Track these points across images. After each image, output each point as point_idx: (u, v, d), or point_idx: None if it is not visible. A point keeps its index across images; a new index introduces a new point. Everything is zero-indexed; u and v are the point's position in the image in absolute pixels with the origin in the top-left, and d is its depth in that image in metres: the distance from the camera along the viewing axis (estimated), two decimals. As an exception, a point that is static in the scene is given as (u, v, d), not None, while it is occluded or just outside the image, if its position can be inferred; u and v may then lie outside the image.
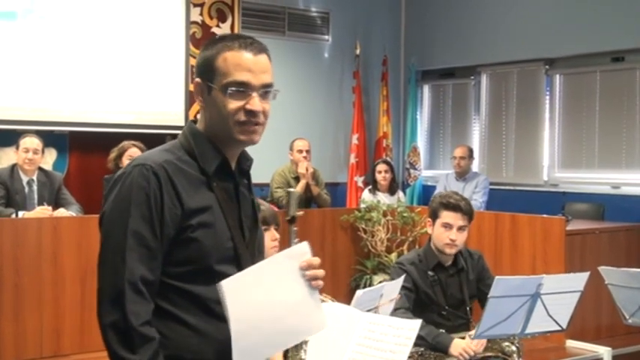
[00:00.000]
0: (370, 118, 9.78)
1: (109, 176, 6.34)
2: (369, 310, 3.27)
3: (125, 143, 6.45)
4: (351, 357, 2.39)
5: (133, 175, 2.00)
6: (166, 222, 1.98)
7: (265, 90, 2.09)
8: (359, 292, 3.26)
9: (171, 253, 2.01)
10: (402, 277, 3.84)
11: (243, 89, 2.05)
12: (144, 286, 1.95)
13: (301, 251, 2.09)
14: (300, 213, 2.41)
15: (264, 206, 3.39)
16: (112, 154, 6.48)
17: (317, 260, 2.09)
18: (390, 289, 3.55)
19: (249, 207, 2.19)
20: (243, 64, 2.05)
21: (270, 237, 3.37)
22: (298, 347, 2.33)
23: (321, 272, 2.09)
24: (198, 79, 2.09)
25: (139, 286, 1.94)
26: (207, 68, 2.07)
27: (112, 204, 2.02)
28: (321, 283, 2.10)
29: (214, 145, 2.10)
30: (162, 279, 2.01)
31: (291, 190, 2.28)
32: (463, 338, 3.95)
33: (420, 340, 3.84)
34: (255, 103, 2.06)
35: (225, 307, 1.91)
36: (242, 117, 2.05)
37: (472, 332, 3.90)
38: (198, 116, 2.18)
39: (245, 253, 2.10)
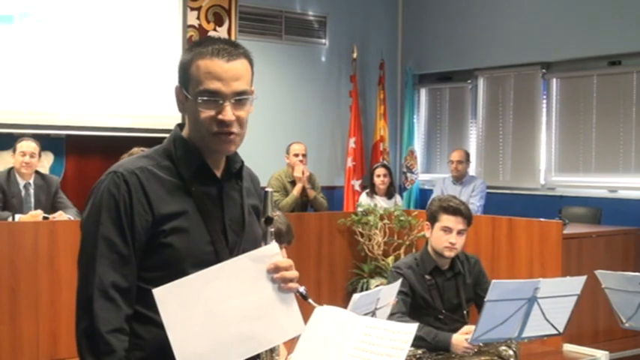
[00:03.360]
0: (367, 122, 9.78)
1: None
2: (365, 314, 3.26)
3: (135, 150, 6.38)
4: (347, 361, 2.38)
5: (105, 183, 2.02)
6: (137, 228, 1.98)
7: (239, 98, 2.04)
8: (355, 296, 3.25)
9: (145, 259, 2.01)
10: (399, 280, 3.84)
11: (215, 98, 2.01)
12: (116, 293, 1.96)
13: (270, 253, 2.04)
14: (277, 214, 2.37)
15: (280, 219, 3.22)
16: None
17: (286, 262, 2.04)
18: (386, 292, 3.54)
19: (238, 210, 2.17)
20: (214, 72, 2.01)
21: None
22: (270, 352, 2.28)
23: (291, 274, 2.04)
24: (177, 85, 2.10)
25: (109, 293, 1.95)
26: (183, 75, 2.08)
27: (87, 211, 2.04)
28: (293, 285, 2.05)
29: (195, 150, 2.09)
30: (138, 284, 2.01)
31: (268, 189, 2.23)
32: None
33: (420, 341, 3.85)
34: (227, 112, 2.01)
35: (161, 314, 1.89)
36: (214, 127, 2.02)
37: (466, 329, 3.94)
38: None
39: (227, 257, 2.06)
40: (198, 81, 2.02)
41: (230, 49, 2.05)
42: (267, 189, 2.23)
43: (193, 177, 2.07)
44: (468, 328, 3.93)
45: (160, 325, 1.95)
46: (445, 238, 4.09)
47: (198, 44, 2.09)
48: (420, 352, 3.87)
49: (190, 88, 2.05)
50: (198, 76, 2.02)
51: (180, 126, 2.16)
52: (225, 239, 2.10)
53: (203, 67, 2.02)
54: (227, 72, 2.02)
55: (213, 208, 2.10)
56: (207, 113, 2.02)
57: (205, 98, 2.01)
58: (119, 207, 1.98)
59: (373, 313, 3.38)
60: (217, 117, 2.01)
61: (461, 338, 3.91)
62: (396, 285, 3.72)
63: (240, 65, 2.05)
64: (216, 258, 2.05)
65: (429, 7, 9.79)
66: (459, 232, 4.10)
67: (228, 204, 2.14)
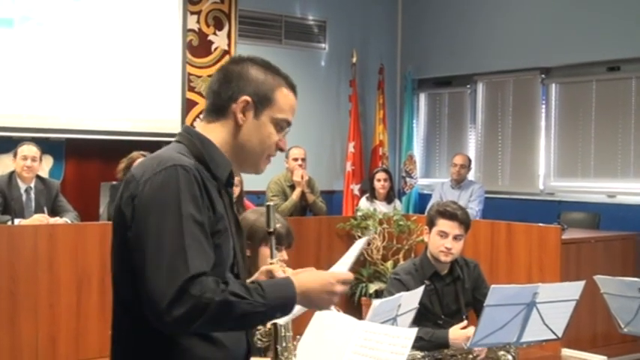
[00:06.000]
0: (366, 127, 9.79)
1: (117, 183, 6.31)
2: (386, 322, 3.24)
3: (134, 154, 6.33)
4: (347, 365, 2.39)
5: (178, 178, 1.94)
6: (207, 226, 1.96)
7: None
8: (375, 303, 3.22)
9: None
10: (422, 287, 3.79)
11: (286, 129, 2.18)
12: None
13: None
14: (279, 225, 2.45)
15: (280, 221, 3.19)
16: (122, 165, 6.24)
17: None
18: (408, 299, 3.51)
19: (234, 214, 2.21)
20: (294, 107, 2.20)
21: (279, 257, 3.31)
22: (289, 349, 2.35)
23: None
24: (248, 98, 2.09)
25: (202, 278, 1.88)
26: (264, 94, 2.12)
27: (156, 206, 1.92)
28: None
29: (222, 153, 2.11)
30: None
31: (270, 203, 2.30)
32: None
33: (419, 342, 3.84)
34: (286, 143, 2.20)
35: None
36: (274, 152, 2.17)
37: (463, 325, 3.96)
38: (201, 123, 2.16)
39: (240, 259, 2.12)
40: (282, 109, 2.15)
41: None
42: (268, 203, 2.34)
43: (225, 181, 2.11)
44: (464, 323, 3.96)
45: (204, 336, 1.97)
46: (441, 242, 4.09)
47: (267, 67, 2.17)
48: (419, 355, 3.86)
49: (270, 110, 2.13)
50: (284, 105, 2.16)
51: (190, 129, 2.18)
52: (237, 242, 2.13)
53: (290, 99, 2.19)
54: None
55: (230, 212, 2.13)
56: (275, 139, 2.15)
57: (286, 128, 2.18)
58: (197, 201, 1.94)
59: (394, 320, 3.36)
60: (279, 144, 2.17)
61: (458, 332, 3.92)
62: (419, 291, 3.70)
63: None
64: (234, 261, 2.09)
65: (429, 11, 9.81)
66: (456, 237, 4.09)
67: (233, 209, 2.18)
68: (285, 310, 1.99)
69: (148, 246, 1.90)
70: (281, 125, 2.14)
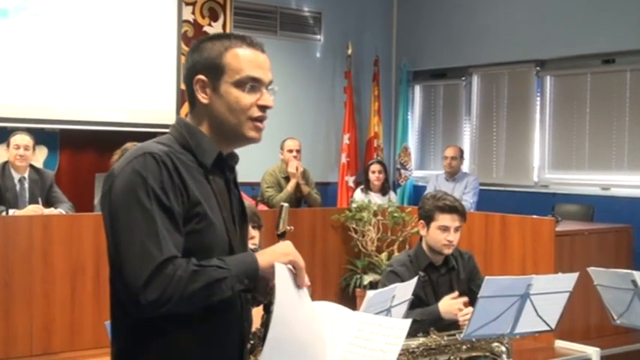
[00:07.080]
0: (361, 118, 9.79)
1: None
2: (380, 312, 3.25)
3: (128, 145, 6.30)
4: (341, 356, 2.39)
5: (141, 163, 1.97)
6: (178, 210, 1.96)
7: (270, 87, 2.12)
8: (370, 294, 3.23)
9: None
10: (415, 278, 3.81)
11: (257, 85, 2.08)
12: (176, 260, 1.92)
13: None
14: (290, 228, 2.42)
15: (246, 203, 3.43)
16: (116, 156, 6.17)
17: None
18: (402, 290, 3.52)
19: (238, 203, 2.20)
20: (255, 60, 2.09)
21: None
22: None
23: None
24: (201, 76, 2.08)
25: (175, 260, 1.91)
26: (212, 64, 2.07)
27: (122, 194, 1.95)
28: None
29: (211, 140, 2.10)
30: None
31: (284, 204, 2.28)
32: (452, 335, 3.94)
33: (413, 324, 3.83)
34: (268, 98, 2.10)
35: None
36: (256, 112, 2.08)
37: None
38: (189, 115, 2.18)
39: (238, 248, 2.10)
40: (237, 69, 2.07)
41: (258, 42, 2.15)
42: (283, 203, 2.28)
43: (212, 166, 2.09)
44: (455, 294, 4.01)
45: (185, 328, 1.97)
46: (443, 236, 4.10)
47: (219, 38, 2.13)
48: (414, 345, 3.87)
49: (227, 75, 2.07)
50: (239, 64, 2.07)
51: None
52: (235, 230, 2.12)
53: (243, 56, 2.08)
54: (265, 61, 2.12)
55: (225, 198, 2.12)
56: (249, 99, 2.07)
57: (250, 84, 2.07)
58: (164, 185, 1.94)
59: (388, 311, 3.36)
60: (259, 102, 2.08)
61: (448, 302, 3.95)
62: (412, 282, 3.71)
63: (267, 57, 2.15)
64: (230, 248, 2.07)
65: (424, 3, 9.80)
66: (456, 229, 4.12)
67: (232, 196, 2.17)
68: (251, 275, 1.99)
69: (120, 234, 1.93)
70: (246, 84, 2.07)
